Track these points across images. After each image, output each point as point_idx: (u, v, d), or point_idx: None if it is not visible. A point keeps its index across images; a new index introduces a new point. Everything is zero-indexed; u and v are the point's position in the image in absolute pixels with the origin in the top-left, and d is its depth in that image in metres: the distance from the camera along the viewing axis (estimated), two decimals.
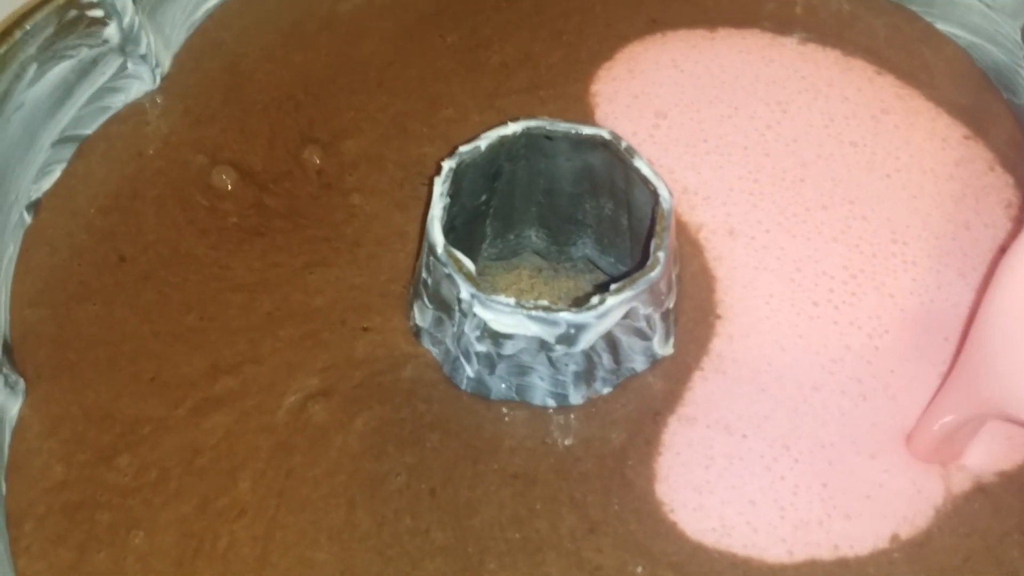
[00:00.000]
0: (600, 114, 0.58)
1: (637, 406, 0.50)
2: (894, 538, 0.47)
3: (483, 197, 0.52)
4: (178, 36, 0.60)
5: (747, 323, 0.51)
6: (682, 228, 0.54)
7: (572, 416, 0.50)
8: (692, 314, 0.52)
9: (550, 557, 0.46)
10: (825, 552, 0.46)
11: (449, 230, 0.47)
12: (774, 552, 0.46)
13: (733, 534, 0.47)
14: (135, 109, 0.58)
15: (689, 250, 0.53)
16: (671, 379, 0.50)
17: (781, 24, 0.62)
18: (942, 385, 0.49)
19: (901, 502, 0.47)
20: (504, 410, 0.50)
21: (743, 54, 0.60)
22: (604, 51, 0.61)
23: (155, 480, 0.48)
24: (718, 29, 0.61)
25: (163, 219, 0.54)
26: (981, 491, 0.48)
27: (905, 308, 0.52)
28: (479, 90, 0.60)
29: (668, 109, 0.58)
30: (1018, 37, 0.57)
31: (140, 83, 0.58)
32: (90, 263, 0.53)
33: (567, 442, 0.49)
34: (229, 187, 0.55)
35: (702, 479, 0.48)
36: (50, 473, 0.48)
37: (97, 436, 0.49)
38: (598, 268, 0.57)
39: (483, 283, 0.46)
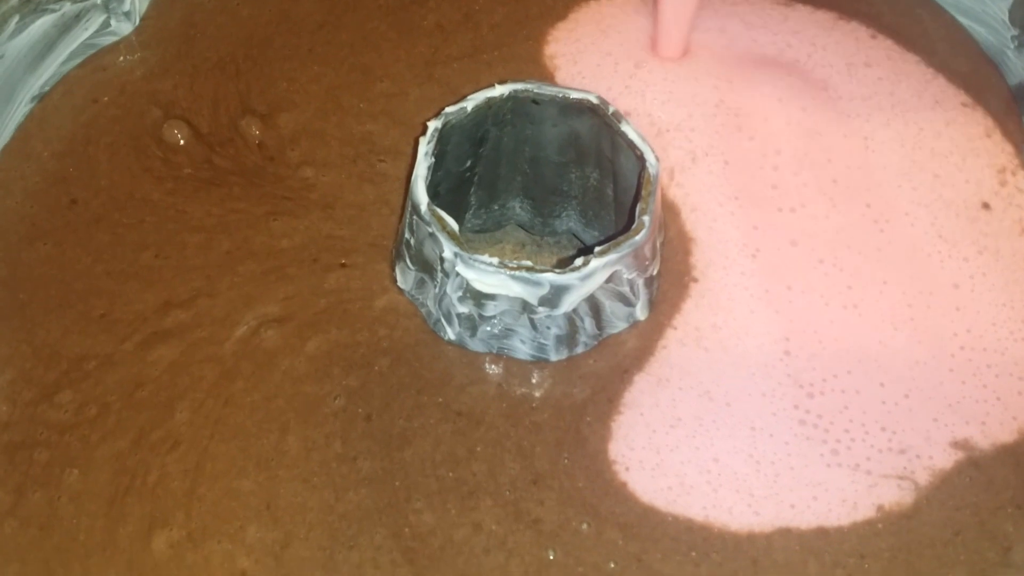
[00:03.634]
0: (561, 76, 0.56)
1: (608, 362, 0.48)
2: (879, 508, 0.45)
3: (468, 163, 0.52)
4: None
5: (722, 286, 0.50)
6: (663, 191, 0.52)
7: (538, 366, 0.48)
8: (667, 276, 0.50)
9: (484, 503, 0.44)
10: (803, 521, 0.44)
11: (433, 197, 0.46)
12: (740, 519, 0.44)
13: (692, 493, 0.45)
14: (92, 56, 0.58)
15: (668, 213, 0.51)
16: (644, 338, 0.49)
17: None
18: None
19: (887, 473, 0.45)
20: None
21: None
22: (558, 8, 0.59)
23: (94, 416, 0.47)
24: None
25: (116, 165, 0.54)
26: (973, 465, 0.46)
27: (888, 271, 0.51)
28: (414, 58, 0.57)
29: (643, 58, 0.56)
30: (1005, 18, 0.57)
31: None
32: (42, 205, 0.53)
33: (524, 390, 0.47)
34: (182, 142, 0.54)
35: (663, 440, 0.46)
36: None
37: (43, 374, 0.48)
38: (582, 242, 0.56)
39: None
